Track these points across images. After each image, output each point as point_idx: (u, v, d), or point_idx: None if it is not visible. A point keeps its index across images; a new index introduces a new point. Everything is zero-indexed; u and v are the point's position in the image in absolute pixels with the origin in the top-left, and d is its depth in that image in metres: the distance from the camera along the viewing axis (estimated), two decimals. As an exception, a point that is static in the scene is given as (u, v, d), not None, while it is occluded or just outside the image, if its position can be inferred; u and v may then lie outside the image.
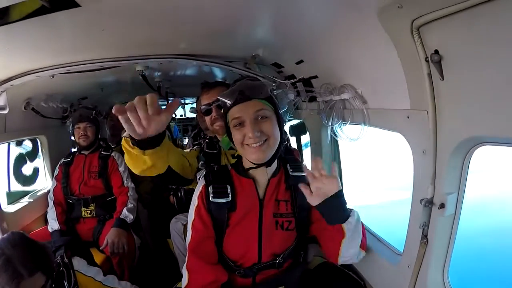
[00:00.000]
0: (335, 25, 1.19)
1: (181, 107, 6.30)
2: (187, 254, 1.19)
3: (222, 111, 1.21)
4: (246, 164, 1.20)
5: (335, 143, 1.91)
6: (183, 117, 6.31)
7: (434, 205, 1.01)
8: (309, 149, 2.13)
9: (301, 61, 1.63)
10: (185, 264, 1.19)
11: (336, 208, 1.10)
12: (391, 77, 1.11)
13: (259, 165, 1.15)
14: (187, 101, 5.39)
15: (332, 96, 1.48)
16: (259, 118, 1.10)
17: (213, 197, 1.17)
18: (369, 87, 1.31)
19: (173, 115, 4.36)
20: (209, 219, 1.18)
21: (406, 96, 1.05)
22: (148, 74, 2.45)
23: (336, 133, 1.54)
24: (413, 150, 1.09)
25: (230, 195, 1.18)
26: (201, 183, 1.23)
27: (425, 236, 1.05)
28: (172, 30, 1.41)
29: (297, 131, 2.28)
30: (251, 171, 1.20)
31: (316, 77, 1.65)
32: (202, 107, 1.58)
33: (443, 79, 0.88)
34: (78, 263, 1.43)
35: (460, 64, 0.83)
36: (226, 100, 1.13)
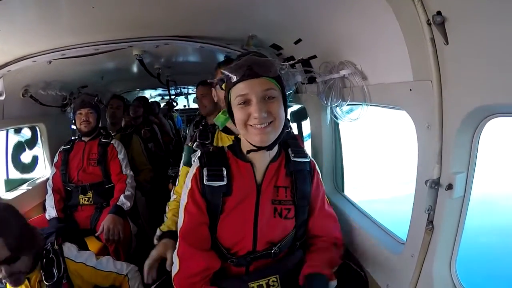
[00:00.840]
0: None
1: (184, 97, 6.33)
2: (178, 240, 1.13)
3: (224, 86, 1.11)
4: (245, 147, 1.12)
5: (336, 126, 1.83)
6: (187, 107, 6.29)
7: (440, 187, 0.91)
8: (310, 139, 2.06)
9: (299, 40, 1.56)
10: (175, 251, 1.13)
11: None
12: (392, 48, 1.02)
13: (260, 148, 1.07)
14: (190, 91, 5.37)
15: (331, 75, 1.40)
16: (267, 98, 1.01)
17: (208, 180, 1.10)
18: (369, 61, 1.22)
19: (176, 105, 4.34)
20: (204, 203, 1.11)
21: (409, 67, 0.96)
22: (147, 62, 2.42)
23: (336, 114, 1.46)
24: (416, 126, 1.00)
25: (225, 179, 1.10)
26: (195, 165, 1.16)
27: (430, 221, 0.96)
28: (165, 8, 1.36)
29: (297, 116, 2.20)
30: (250, 154, 1.12)
31: (315, 57, 1.57)
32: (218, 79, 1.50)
33: (447, 43, 0.79)
34: (68, 249, 1.39)
35: (466, 25, 0.73)
36: (231, 75, 1.03)
